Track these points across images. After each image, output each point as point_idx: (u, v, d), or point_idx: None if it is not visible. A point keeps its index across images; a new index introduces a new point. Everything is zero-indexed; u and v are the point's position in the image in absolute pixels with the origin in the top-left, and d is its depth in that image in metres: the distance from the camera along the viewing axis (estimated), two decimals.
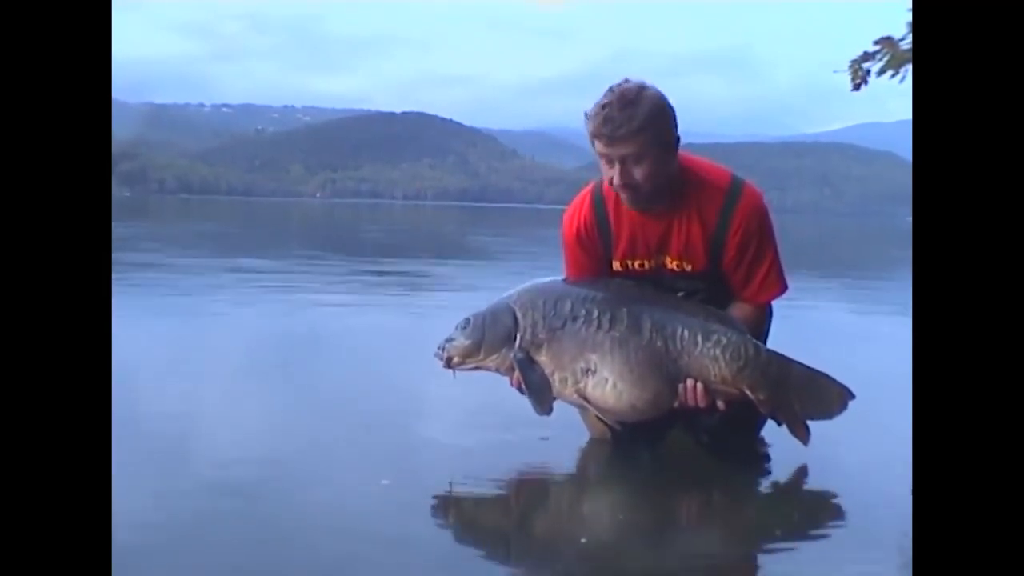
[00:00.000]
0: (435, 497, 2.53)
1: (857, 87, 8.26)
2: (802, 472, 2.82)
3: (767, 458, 2.91)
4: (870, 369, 4.09)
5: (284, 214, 46.43)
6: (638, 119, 2.54)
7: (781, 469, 2.85)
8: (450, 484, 2.66)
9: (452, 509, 2.53)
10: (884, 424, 3.24)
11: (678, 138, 2.66)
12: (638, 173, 2.61)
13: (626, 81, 2.63)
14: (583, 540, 2.29)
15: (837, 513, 2.56)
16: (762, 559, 2.29)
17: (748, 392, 2.62)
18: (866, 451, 3.06)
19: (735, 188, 2.72)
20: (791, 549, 2.29)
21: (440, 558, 2.15)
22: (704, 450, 2.87)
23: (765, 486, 2.80)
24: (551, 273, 2.96)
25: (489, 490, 2.69)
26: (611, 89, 2.60)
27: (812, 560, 2.22)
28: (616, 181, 2.64)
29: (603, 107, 2.56)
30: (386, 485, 2.60)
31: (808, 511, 2.59)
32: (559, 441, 2.98)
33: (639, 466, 2.86)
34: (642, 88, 2.60)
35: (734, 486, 2.76)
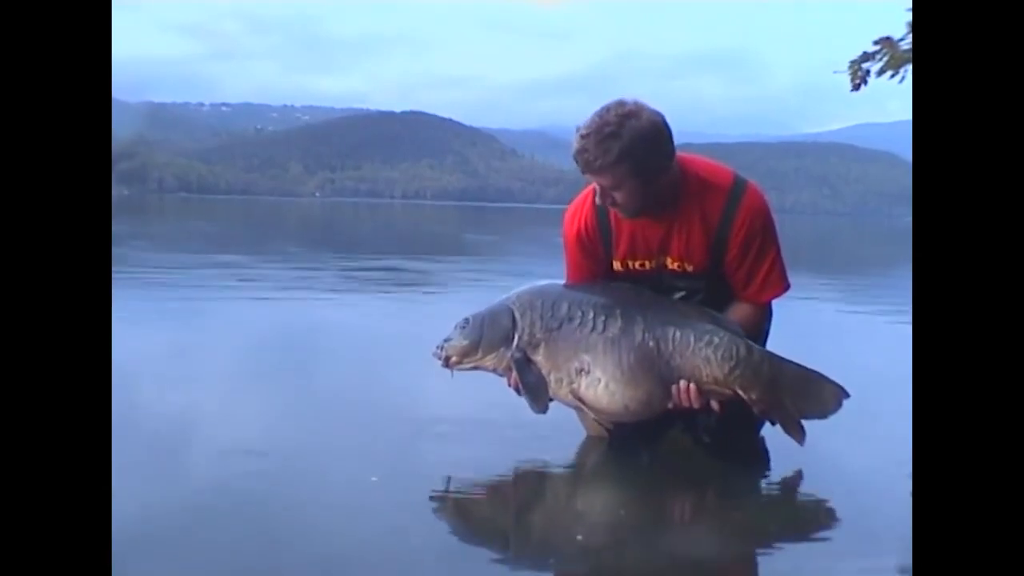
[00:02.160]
0: (431, 495, 2.54)
1: (857, 87, 8.27)
2: (802, 472, 2.82)
3: (767, 457, 2.91)
4: (870, 368, 4.12)
5: (282, 213, 46.36)
6: (613, 153, 2.52)
7: (781, 468, 2.85)
8: (447, 481, 2.66)
9: (448, 507, 2.53)
10: (883, 423, 3.24)
11: (671, 155, 2.63)
12: (618, 198, 2.64)
13: (619, 104, 2.57)
14: (579, 538, 2.29)
15: (837, 513, 2.55)
16: (761, 559, 2.29)
17: (740, 392, 2.63)
18: (865, 450, 3.05)
19: (737, 188, 2.71)
20: (790, 549, 2.30)
21: (436, 556, 2.15)
22: (704, 450, 2.87)
23: (765, 486, 2.80)
24: (546, 270, 3.02)
25: (484, 488, 2.69)
26: (599, 113, 2.57)
27: (811, 560, 2.22)
28: (597, 201, 2.71)
29: (582, 137, 2.56)
30: (376, 482, 2.61)
31: (807, 511, 2.59)
32: (556, 440, 2.98)
33: (637, 465, 2.86)
34: (629, 116, 2.54)
35: (733, 486, 2.76)
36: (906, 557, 2.03)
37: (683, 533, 2.48)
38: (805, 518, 2.53)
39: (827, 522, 2.50)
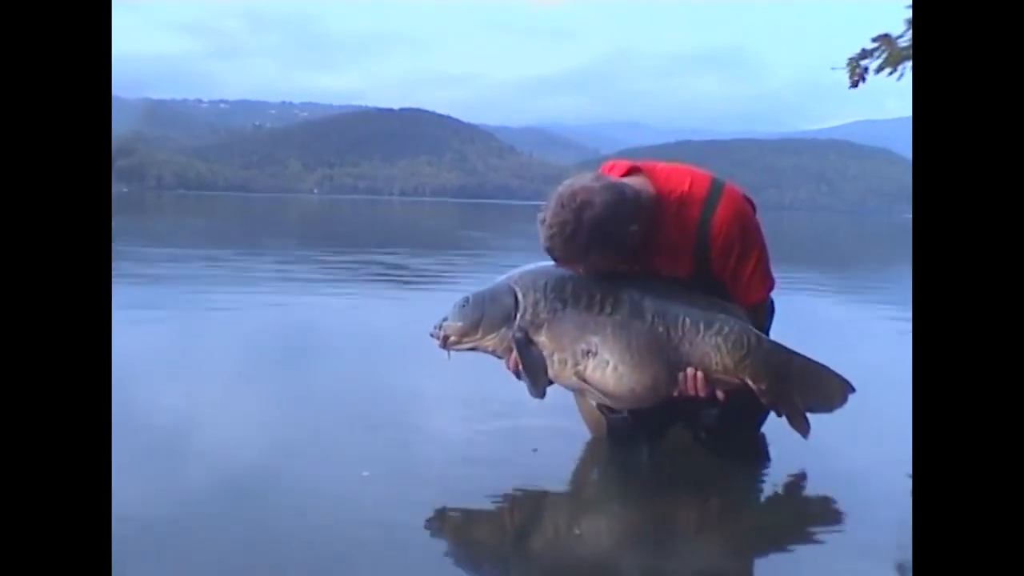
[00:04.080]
0: (429, 493, 2.53)
1: (855, 84, 8.23)
2: (802, 470, 2.82)
3: (767, 456, 2.91)
4: (869, 365, 4.09)
5: (279, 210, 46.29)
6: (581, 248, 2.54)
7: (780, 466, 2.85)
8: (446, 482, 2.66)
9: (448, 506, 2.50)
10: (883, 421, 3.23)
11: (636, 215, 2.59)
12: (599, 268, 2.65)
13: (571, 197, 2.54)
14: (577, 531, 2.30)
15: (837, 513, 2.55)
16: (762, 560, 2.29)
17: (749, 382, 2.61)
18: (865, 448, 3.05)
19: (713, 195, 2.70)
20: (789, 548, 2.31)
21: (434, 556, 2.15)
22: (703, 447, 2.86)
23: (765, 485, 2.79)
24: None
25: (484, 492, 2.63)
26: (554, 210, 2.55)
27: (810, 558, 2.22)
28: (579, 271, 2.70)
29: (548, 238, 2.57)
30: (370, 478, 2.61)
31: (807, 511, 2.59)
32: (558, 440, 2.98)
33: (638, 465, 2.85)
34: (583, 208, 2.52)
35: (733, 486, 2.75)
36: (906, 556, 2.03)
37: (683, 532, 2.48)
38: (804, 516, 2.53)
39: (826, 520, 2.49)
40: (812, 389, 2.68)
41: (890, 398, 3.37)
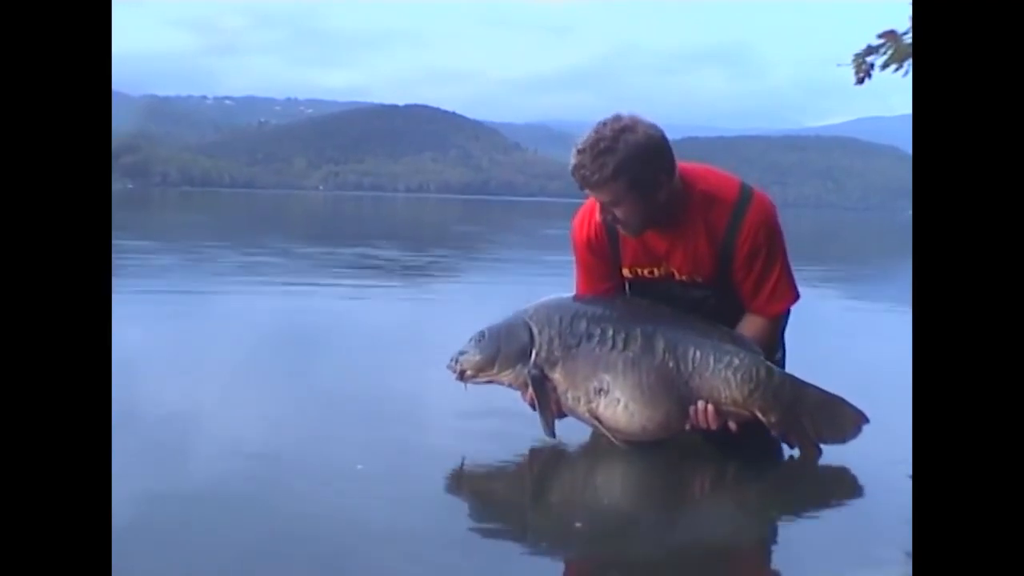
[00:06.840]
0: (446, 475, 2.56)
1: (860, 81, 8.17)
2: (804, 463, 2.81)
3: (780, 458, 2.87)
4: (870, 362, 4.16)
5: (281, 207, 46.26)
6: (609, 168, 2.49)
7: (786, 462, 2.85)
8: (461, 461, 2.67)
9: (444, 503, 2.50)
10: (885, 417, 3.19)
11: (670, 169, 2.60)
12: (618, 214, 2.61)
13: (615, 119, 2.55)
14: (578, 524, 2.29)
15: (837, 506, 2.56)
16: (764, 547, 2.32)
17: (759, 415, 2.62)
18: (868, 444, 3.00)
19: (743, 199, 2.68)
20: (790, 542, 2.32)
21: (441, 547, 2.14)
22: (710, 445, 2.83)
23: (770, 475, 2.81)
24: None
25: (497, 467, 2.68)
26: (595, 129, 2.54)
27: (811, 554, 2.23)
28: (596, 217, 2.70)
29: (578, 152, 2.54)
30: (363, 470, 2.61)
31: (807, 506, 2.58)
32: (565, 427, 2.92)
33: (645, 450, 2.82)
34: (624, 131, 2.52)
35: (738, 476, 2.76)
36: (907, 551, 2.03)
37: (690, 519, 2.50)
38: (806, 512, 2.52)
39: (829, 516, 2.50)
40: (824, 421, 2.67)
41: (894, 392, 3.33)
